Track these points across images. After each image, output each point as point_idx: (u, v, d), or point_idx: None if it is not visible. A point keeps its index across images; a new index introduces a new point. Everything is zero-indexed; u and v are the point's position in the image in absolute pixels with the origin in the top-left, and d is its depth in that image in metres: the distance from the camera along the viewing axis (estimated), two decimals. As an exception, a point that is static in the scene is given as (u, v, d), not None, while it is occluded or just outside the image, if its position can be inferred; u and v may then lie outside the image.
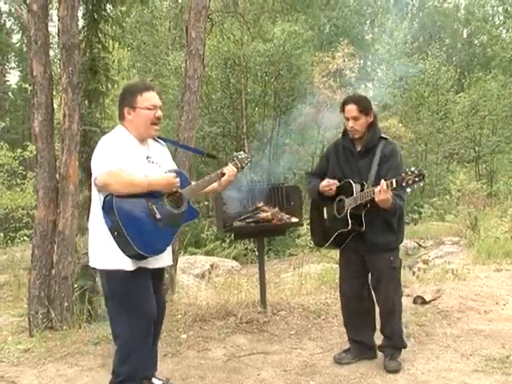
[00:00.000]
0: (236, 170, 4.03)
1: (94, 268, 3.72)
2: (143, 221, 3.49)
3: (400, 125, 23.51)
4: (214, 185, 3.98)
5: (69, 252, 5.81)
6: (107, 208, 3.45)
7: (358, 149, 4.57)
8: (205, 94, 20.28)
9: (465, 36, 39.55)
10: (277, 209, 5.98)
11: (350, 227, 4.43)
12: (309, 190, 4.81)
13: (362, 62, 31.69)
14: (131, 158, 3.56)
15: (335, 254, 11.96)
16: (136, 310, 3.59)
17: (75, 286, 6.01)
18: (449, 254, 12.22)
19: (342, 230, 4.51)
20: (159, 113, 3.73)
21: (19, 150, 14.04)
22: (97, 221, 3.57)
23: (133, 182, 3.47)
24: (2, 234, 12.79)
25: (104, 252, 3.55)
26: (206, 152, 5.05)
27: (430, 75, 25.75)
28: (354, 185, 4.45)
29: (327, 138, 22.93)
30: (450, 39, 38.26)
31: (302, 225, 7.32)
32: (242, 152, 4.22)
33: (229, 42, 21.03)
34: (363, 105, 4.49)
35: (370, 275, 4.69)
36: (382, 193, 4.13)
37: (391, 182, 4.10)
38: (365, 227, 4.42)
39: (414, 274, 8.03)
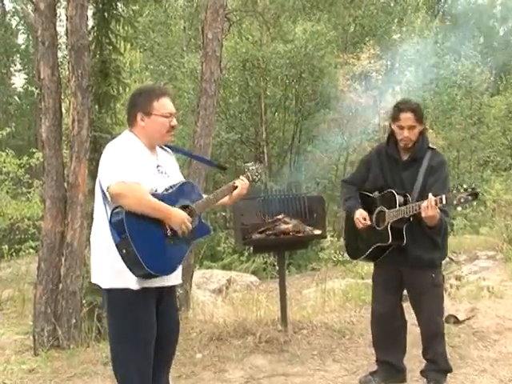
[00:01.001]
0: (248, 182, 4.03)
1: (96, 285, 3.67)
2: (154, 238, 3.44)
3: (430, 130, 23.37)
4: (225, 198, 3.97)
5: (77, 265, 5.84)
6: (116, 222, 3.37)
7: (404, 158, 4.53)
8: (222, 99, 20.33)
9: (501, 34, 39.28)
10: (298, 220, 5.96)
11: (390, 241, 4.40)
12: (345, 206, 4.81)
13: (389, 63, 31.55)
14: (142, 168, 3.51)
15: (361, 268, 11.94)
16: (135, 334, 3.52)
17: (84, 301, 6.04)
18: (484, 269, 12.06)
19: (381, 243, 4.47)
20: (174, 122, 3.69)
21: (25, 157, 14.11)
22: (100, 234, 3.51)
23: (151, 204, 3.40)
24: (6, 246, 12.83)
25: (107, 268, 3.50)
26: (217, 163, 5.04)
27: (463, 77, 25.59)
28: (397, 196, 4.41)
29: (352, 145, 22.90)
30: (485, 38, 38.04)
31: (326, 237, 7.30)
32: (252, 162, 4.24)
33: (247, 42, 21.09)
34: (420, 113, 4.47)
35: (407, 292, 4.64)
36: (430, 209, 4.07)
37: (440, 199, 4.04)
38: (406, 241, 4.38)
39: (446, 290, 7.93)
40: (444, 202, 4.02)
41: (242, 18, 19.89)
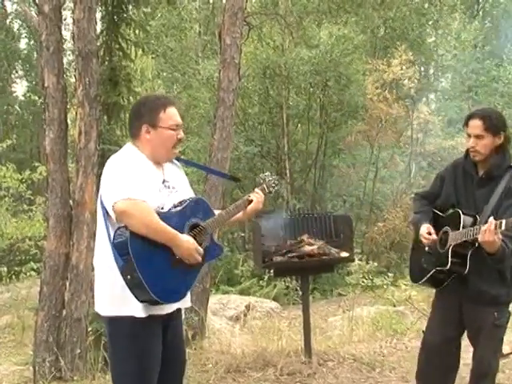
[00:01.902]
0: (263, 196, 4.01)
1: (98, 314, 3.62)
2: (161, 261, 3.39)
3: (469, 143, 23.26)
4: (239, 214, 3.93)
5: (83, 290, 5.86)
6: (119, 245, 3.33)
7: (480, 174, 4.43)
8: (240, 109, 20.38)
9: (547, 38, 39.11)
10: (323, 242, 5.95)
11: (448, 266, 4.31)
12: (412, 220, 4.76)
13: (422, 69, 31.56)
14: (147, 183, 3.49)
15: (392, 294, 11.87)
16: (138, 367, 3.49)
17: (89, 329, 6.05)
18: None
19: (439, 267, 4.41)
20: (182, 134, 3.66)
21: (27, 172, 14.21)
22: (103, 257, 3.47)
23: (158, 228, 3.35)
24: (5, 268, 12.92)
25: (109, 294, 3.47)
26: (230, 175, 5.05)
27: (505, 84, 25.50)
28: (462, 217, 4.31)
29: (382, 159, 22.86)
30: (529, 42, 37.92)
31: (353, 260, 7.27)
32: (268, 173, 4.22)
33: (268, 48, 21.17)
34: (492, 122, 4.33)
35: (465, 327, 4.55)
36: (488, 233, 3.94)
37: (500, 223, 3.90)
38: (469, 270, 4.25)
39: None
40: (503, 226, 3.87)
41: (263, 22, 19.96)
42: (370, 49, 24.52)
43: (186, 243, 3.45)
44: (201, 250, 3.51)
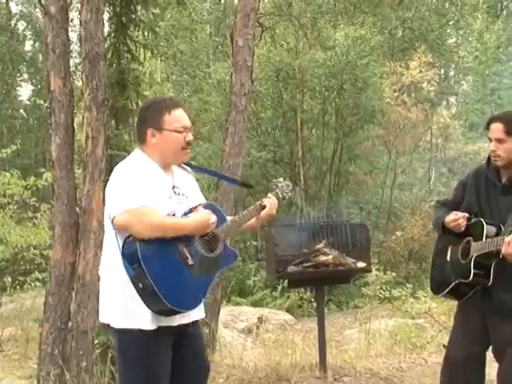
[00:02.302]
0: (277, 201, 4.00)
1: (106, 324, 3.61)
2: (174, 268, 3.39)
3: (491, 149, 23.17)
4: (252, 219, 3.93)
5: (90, 301, 5.86)
6: (129, 253, 3.34)
7: (503, 181, 4.41)
8: (253, 113, 20.40)
9: None
10: (339, 251, 5.95)
11: (470, 278, 4.28)
12: (433, 221, 4.73)
13: (442, 72, 31.51)
14: (155, 190, 3.49)
15: (411, 306, 11.83)
16: (147, 381, 3.49)
17: (96, 342, 6.05)
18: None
19: (461, 279, 4.37)
20: (190, 136, 3.65)
21: (32, 178, 14.22)
22: (111, 267, 3.49)
23: (163, 224, 3.40)
24: (9, 278, 12.92)
25: (118, 306, 3.46)
26: (241, 181, 5.06)
27: (529, 87, 25.39)
28: (485, 226, 4.27)
29: (400, 165, 22.81)
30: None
31: (370, 271, 7.27)
32: (282, 178, 4.22)
33: (281, 50, 21.22)
34: None
35: (491, 341, 4.51)
36: (510, 245, 3.96)
37: None
38: (492, 281, 4.21)
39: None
40: None
41: (276, 23, 19.99)
42: (388, 50, 24.47)
43: (198, 219, 3.49)
44: (214, 217, 3.53)
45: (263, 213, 3.93)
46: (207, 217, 3.52)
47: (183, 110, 3.68)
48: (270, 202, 3.95)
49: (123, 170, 3.53)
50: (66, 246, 5.92)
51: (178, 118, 3.61)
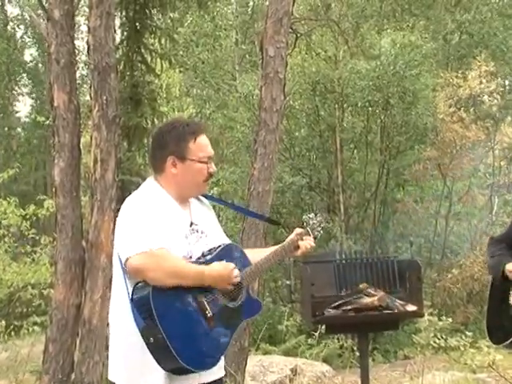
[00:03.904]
0: (313, 241, 4.01)
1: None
2: (191, 321, 3.36)
3: None
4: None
5: (96, 349, 5.87)
6: (139, 301, 3.30)
7: None
8: (286, 132, 20.44)
9: None
10: (386, 292, 5.92)
11: None
12: (489, 264, 4.71)
13: (507, 83, 31.38)
14: (172, 229, 3.48)
15: (470, 358, 11.69)
16: None
17: (104, 396, 6.07)
18: None
19: None
20: (213, 167, 3.66)
21: (31, 207, 14.29)
22: (118, 316, 3.48)
23: (186, 272, 3.37)
24: (3, 323, 12.85)
25: (125, 361, 3.45)
26: (267, 217, 5.05)
27: None
28: None
29: (456, 192, 22.65)
30: None
31: (423, 315, 7.19)
32: (313, 214, 4.19)
33: (318, 60, 21.27)
34: None
35: None
36: None
37: None
38: None
39: None
40: None
41: (312, 29, 20.09)
42: (442, 59, 24.48)
43: (216, 271, 3.43)
44: (236, 271, 3.49)
45: (299, 253, 3.95)
46: (231, 269, 3.48)
47: (207, 135, 3.68)
48: (307, 247, 3.96)
49: (137, 204, 3.51)
50: (70, 284, 5.95)
51: (204, 146, 3.62)
